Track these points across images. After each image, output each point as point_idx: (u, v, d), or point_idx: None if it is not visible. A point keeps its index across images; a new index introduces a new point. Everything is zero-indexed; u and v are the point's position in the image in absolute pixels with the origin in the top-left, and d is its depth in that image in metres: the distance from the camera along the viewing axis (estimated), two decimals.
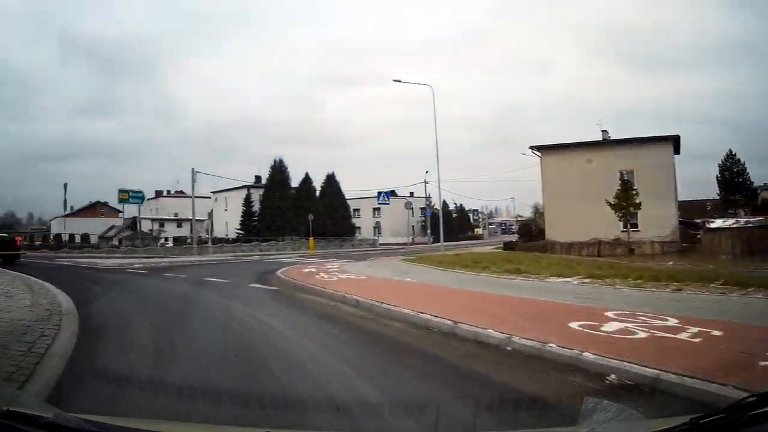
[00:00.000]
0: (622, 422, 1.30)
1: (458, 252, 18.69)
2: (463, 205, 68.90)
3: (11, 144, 73.96)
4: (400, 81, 19.64)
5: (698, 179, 72.02)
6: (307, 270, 11.87)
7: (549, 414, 2.43)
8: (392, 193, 57.78)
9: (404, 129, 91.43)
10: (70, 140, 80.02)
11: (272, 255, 24.94)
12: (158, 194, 61.46)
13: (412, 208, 48.10)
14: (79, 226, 44.99)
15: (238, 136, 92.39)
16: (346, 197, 43.67)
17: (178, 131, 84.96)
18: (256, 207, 39.85)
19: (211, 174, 34.03)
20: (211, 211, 36.57)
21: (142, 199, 25.51)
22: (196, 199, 29.34)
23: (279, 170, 39.27)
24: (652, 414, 1.88)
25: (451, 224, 62.64)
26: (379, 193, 29.54)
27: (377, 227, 54.57)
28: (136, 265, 15.61)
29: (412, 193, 57.87)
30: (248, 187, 42.94)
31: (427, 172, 58.61)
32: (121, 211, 63.31)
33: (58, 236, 41.89)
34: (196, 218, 34.56)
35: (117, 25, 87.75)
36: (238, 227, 40.78)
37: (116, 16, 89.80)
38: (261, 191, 40.47)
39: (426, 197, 46.52)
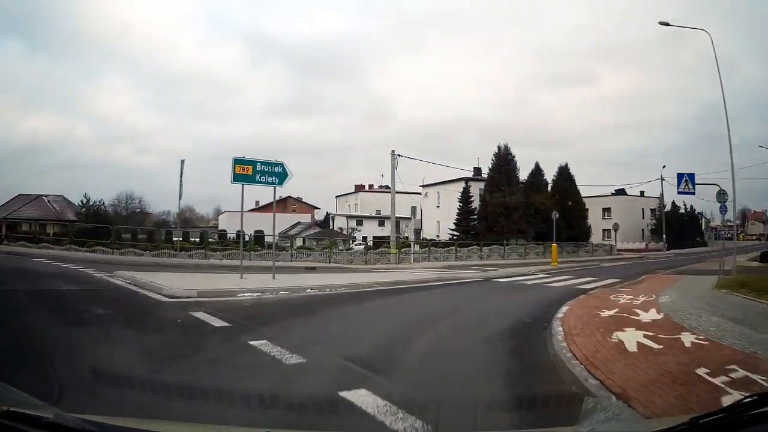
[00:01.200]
0: (622, 422, 1.53)
1: None
2: (695, 208, 66.67)
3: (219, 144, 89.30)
4: (667, 24, 20.00)
5: None
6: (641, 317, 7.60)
7: None
8: (622, 191, 57.43)
9: (617, 129, 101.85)
10: (278, 138, 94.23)
11: (501, 267, 22.83)
12: (358, 188, 66.21)
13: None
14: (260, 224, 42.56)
15: (449, 136, 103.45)
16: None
17: (386, 131, 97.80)
18: (476, 203, 39.85)
19: (418, 159, 35.91)
20: (413, 208, 35.36)
21: (283, 176, 13.67)
22: (403, 194, 30.06)
23: (505, 159, 38.43)
24: None
25: (684, 229, 60.00)
26: (681, 176, 21.99)
27: (607, 231, 53.70)
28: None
29: (642, 192, 59.79)
30: (466, 179, 43.10)
31: (664, 166, 59.68)
32: (317, 208, 65.72)
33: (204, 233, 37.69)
34: (403, 216, 36.66)
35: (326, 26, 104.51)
36: (452, 227, 40.91)
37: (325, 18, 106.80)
38: (481, 185, 40.63)
39: (659, 197, 51.07)
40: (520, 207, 36.99)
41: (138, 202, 48.09)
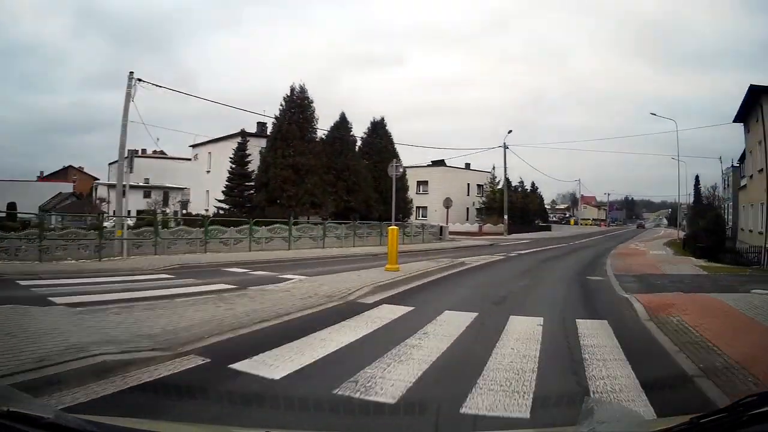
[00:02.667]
0: (622, 422, 2.01)
1: None
2: (536, 185, 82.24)
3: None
4: None
5: None
6: None
7: None
8: (441, 162, 61.81)
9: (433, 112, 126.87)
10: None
11: (264, 267, 18.17)
12: (132, 153, 70.13)
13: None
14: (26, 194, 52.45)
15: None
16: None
17: (193, 106, 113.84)
18: (255, 166, 37.58)
19: (173, 89, 33.77)
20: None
21: None
22: (178, 161, 29.22)
23: (299, 105, 36.24)
24: None
25: (525, 209, 69.08)
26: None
27: (422, 209, 58.82)
28: None
29: (468, 165, 66.83)
30: (244, 134, 41.36)
31: (510, 131, 71.36)
32: (96, 179, 72.57)
33: None
34: (177, 186, 35.08)
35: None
36: (222, 198, 38.76)
37: None
38: (266, 143, 38.03)
39: (490, 172, 63.00)
40: (316, 171, 35.18)
41: None
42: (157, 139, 46.43)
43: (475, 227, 57.31)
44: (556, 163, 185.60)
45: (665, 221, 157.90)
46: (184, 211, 52.00)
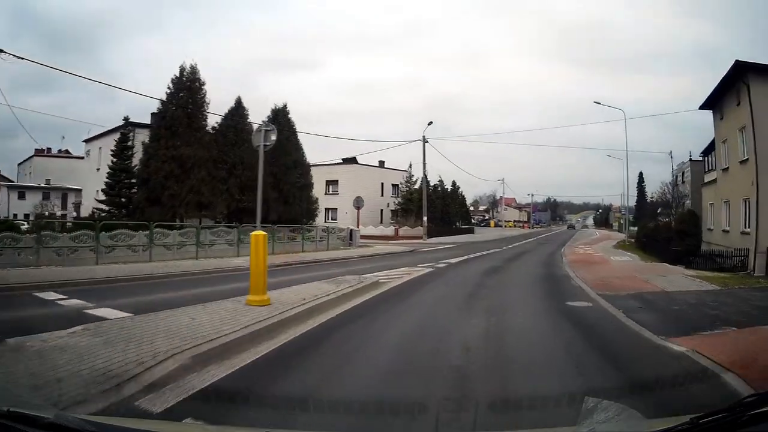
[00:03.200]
0: (622, 422, 2.24)
1: None
2: (457, 185, 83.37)
3: None
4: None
5: None
6: None
7: None
8: (353, 160, 60.23)
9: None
10: None
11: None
12: (38, 153, 72.04)
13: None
14: None
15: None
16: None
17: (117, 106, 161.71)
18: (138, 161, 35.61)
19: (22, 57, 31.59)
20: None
21: None
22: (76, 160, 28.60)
23: (187, 88, 35.06)
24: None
25: (446, 211, 71.14)
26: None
27: (331, 212, 59.39)
28: None
29: (382, 163, 66.80)
30: (129, 124, 38.96)
31: (430, 123, 66.51)
32: (11, 181, 72.50)
33: None
34: (73, 186, 34.78)
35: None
36: (104, 198, 36.79)
37: None
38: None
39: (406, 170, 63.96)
40: (204, 164, 33.80)
41: None
42: (63, 137, 45.66)
43: (390, 230, 56.36)
44: (478, 164, 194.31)
45: (592, 221, 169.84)
46: (74, 215, 52.35)
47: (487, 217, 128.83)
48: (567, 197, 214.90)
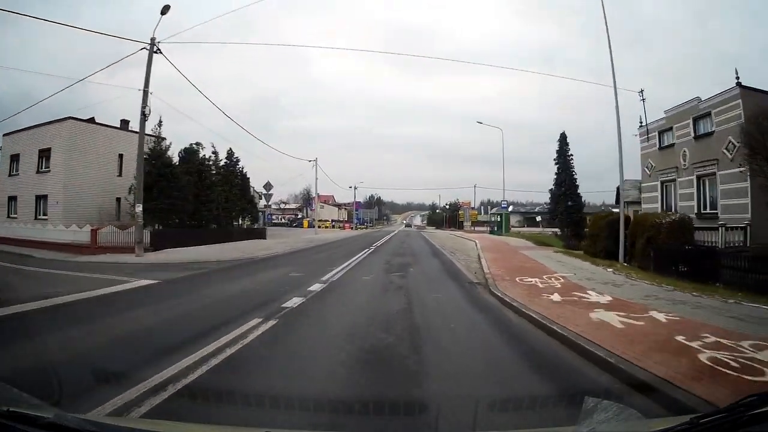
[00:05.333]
0: (622, 422, 2.25)
1: None
2: (236, 156, 49.61)
3: None
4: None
5: None
6: None
7: None
8: (72, 118, 37.15)
9: None
10: None
11: None
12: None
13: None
14: None
15: None
16: None
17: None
18: None
19: None
20: None
21: None
22: None
23: None
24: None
25: (206, 198, 39.47)
26: None
27: (42, 199, 37.71)
28: None
29: (127, 122, 41.28)
30: None
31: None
32: None
33: None
34: None
35: None
36: None
37: None
38: None
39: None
40: None
41: None
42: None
43: (84, 235, 31.01)
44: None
45: (419, 221, 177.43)
46: None
47: (300, 216, 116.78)
48: (390, 197, 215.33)
